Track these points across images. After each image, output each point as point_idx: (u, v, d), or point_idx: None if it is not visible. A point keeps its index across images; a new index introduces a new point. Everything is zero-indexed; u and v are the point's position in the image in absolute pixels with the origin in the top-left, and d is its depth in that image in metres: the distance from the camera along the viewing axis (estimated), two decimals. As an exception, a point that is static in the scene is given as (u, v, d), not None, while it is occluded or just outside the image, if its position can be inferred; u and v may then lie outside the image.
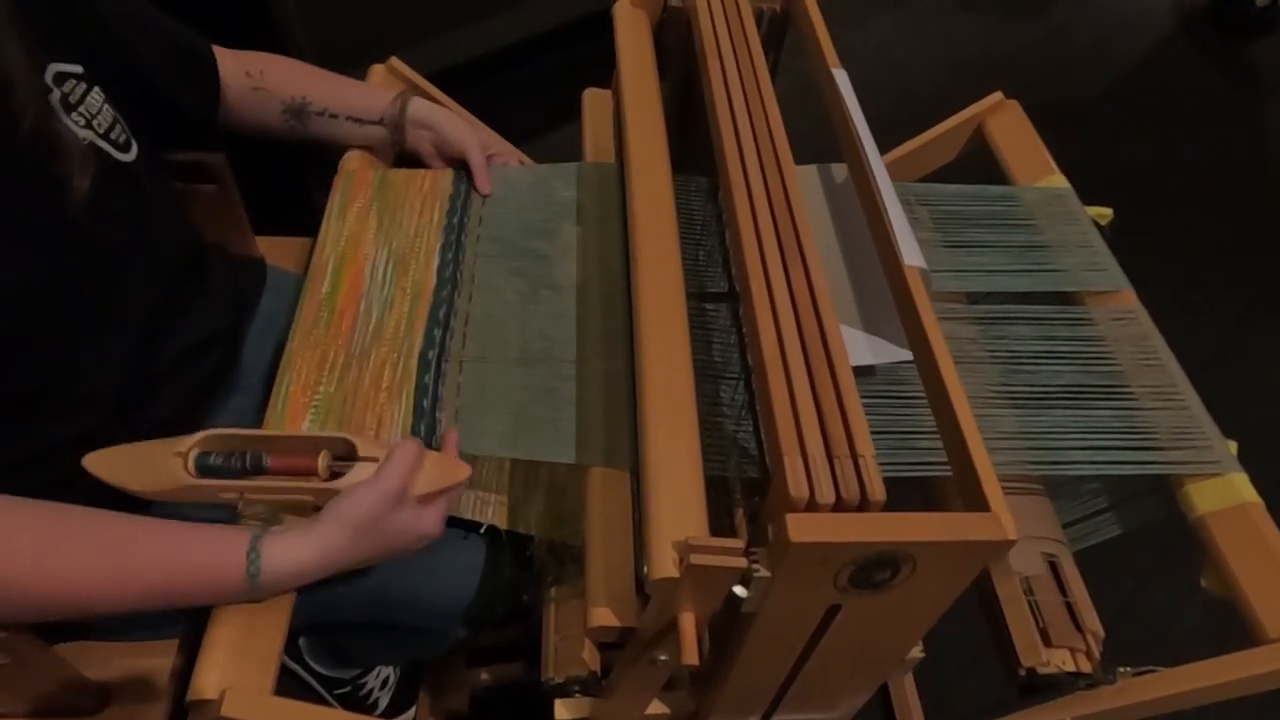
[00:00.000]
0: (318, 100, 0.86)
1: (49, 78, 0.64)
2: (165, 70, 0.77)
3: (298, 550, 0.58)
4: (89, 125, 0.66)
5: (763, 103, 0.71)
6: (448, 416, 0.68)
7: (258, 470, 0.60)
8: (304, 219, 0.95)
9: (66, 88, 0.65)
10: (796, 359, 0.53)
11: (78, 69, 0.67)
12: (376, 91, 0.90)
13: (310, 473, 0.60)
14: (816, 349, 0.54)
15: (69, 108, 0.65)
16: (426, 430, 0.67)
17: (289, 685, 1.11)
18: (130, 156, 0.69)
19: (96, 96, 0.68)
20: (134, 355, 0.68)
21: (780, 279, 0.58)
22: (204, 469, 0.60)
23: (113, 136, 0.68)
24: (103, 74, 0.69)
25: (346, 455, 0.62)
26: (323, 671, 1.12)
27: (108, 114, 0.68)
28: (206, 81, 0.81)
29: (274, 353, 0.78)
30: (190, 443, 0.60)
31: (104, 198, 0.63)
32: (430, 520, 0.62)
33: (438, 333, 0.74)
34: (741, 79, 0.73)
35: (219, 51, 0.82)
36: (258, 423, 0.70)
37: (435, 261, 0.80)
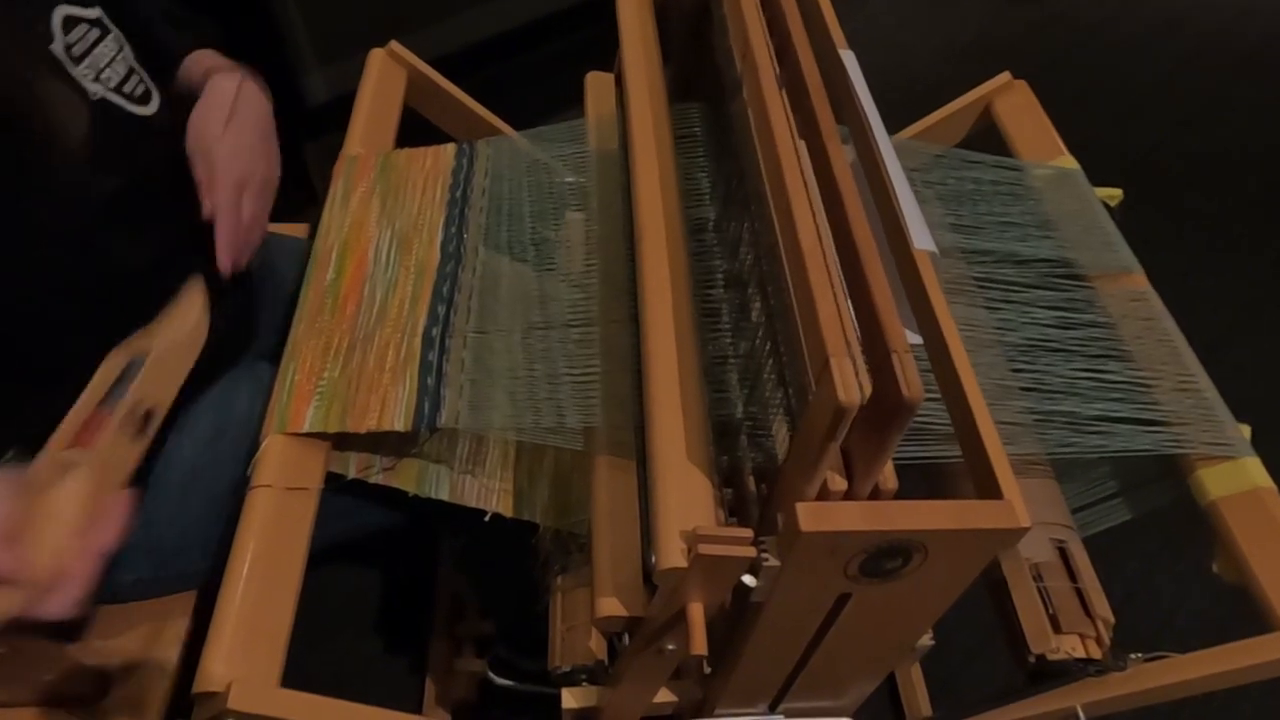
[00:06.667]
0: None
1: (56, 22, 0.61)
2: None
3: None
4: (98, 79, 0.63)
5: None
6: (454, 393, 0.68)
7: None
8: (307, 203, 0.94)
9: (74, 35, 0.62)
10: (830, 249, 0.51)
11: (93, 13, 0.63)
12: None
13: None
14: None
15: (75, 60, 0.61)
16: (431, 408, 0.66)
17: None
18: (149, 109, 0.66)
19: (111, 45, 0.64)
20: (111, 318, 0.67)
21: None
22: None
23: (126, 90, 0.65)
24: (120, 16, 0.66)
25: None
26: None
27: (121, 65, 0.65)
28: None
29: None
30: None
31: (108, 154, 0.61)
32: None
33: (442, 309, 0.73)
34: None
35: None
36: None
37: (439, 238, 0.79)
